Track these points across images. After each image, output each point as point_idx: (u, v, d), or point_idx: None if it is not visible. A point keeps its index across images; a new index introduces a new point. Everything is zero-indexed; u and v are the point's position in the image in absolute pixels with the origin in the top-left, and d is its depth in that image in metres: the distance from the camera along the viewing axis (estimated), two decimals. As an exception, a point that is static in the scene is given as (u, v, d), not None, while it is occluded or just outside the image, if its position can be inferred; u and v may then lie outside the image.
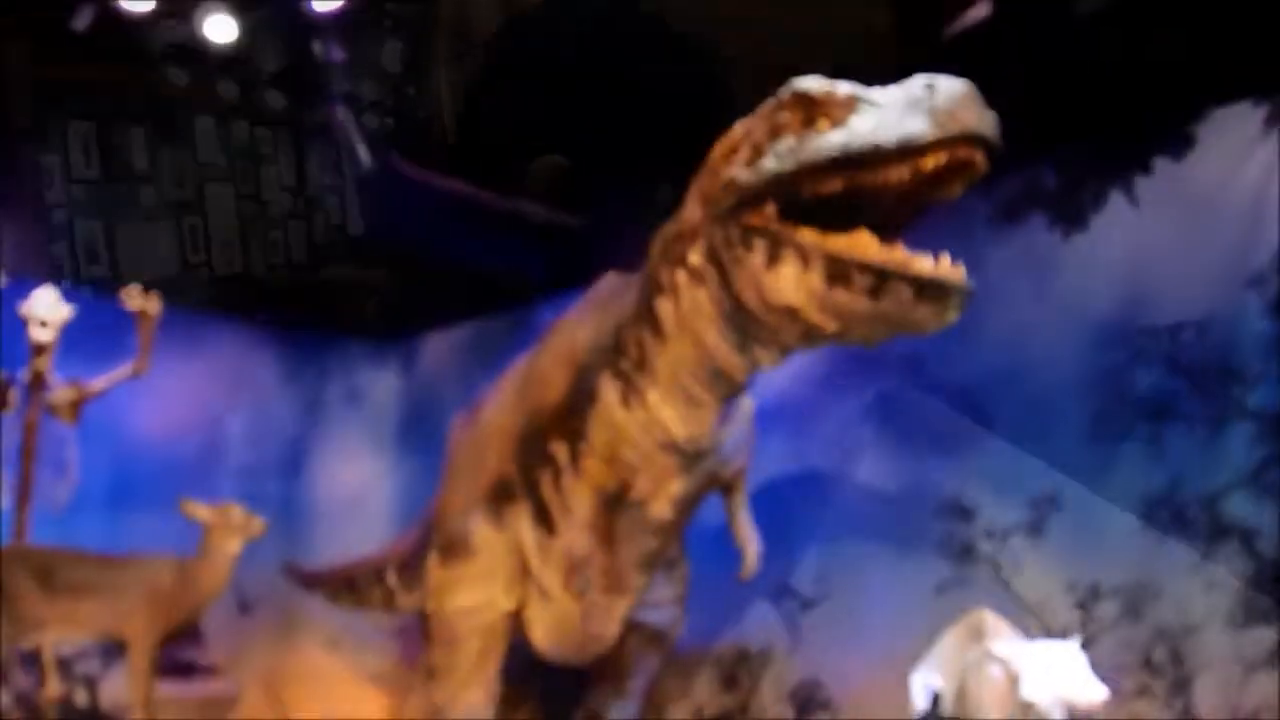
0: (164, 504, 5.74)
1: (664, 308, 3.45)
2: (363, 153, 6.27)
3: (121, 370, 5.63)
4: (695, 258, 3.23)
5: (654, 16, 5.57)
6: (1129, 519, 4.86)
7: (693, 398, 3.57)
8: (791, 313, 2.96)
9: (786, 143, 2.85)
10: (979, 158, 2.66)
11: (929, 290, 2.69)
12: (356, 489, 8.18)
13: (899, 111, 2.67)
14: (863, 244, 2.75)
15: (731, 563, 4.88)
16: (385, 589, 5.84)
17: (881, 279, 2.71)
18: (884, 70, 2.95)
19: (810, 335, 3.06)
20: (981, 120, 2.64)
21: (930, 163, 2.63)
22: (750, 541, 4.62)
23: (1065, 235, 5.33)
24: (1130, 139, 5.18)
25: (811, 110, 2.82)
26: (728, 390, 3.58)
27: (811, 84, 2.88)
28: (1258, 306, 4.71)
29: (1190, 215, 4.97)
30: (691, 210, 3.30)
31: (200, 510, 5.54)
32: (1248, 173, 4.83)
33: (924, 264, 2.71)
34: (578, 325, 4.16)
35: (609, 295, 4.09)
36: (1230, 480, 4.66)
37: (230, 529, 5.51)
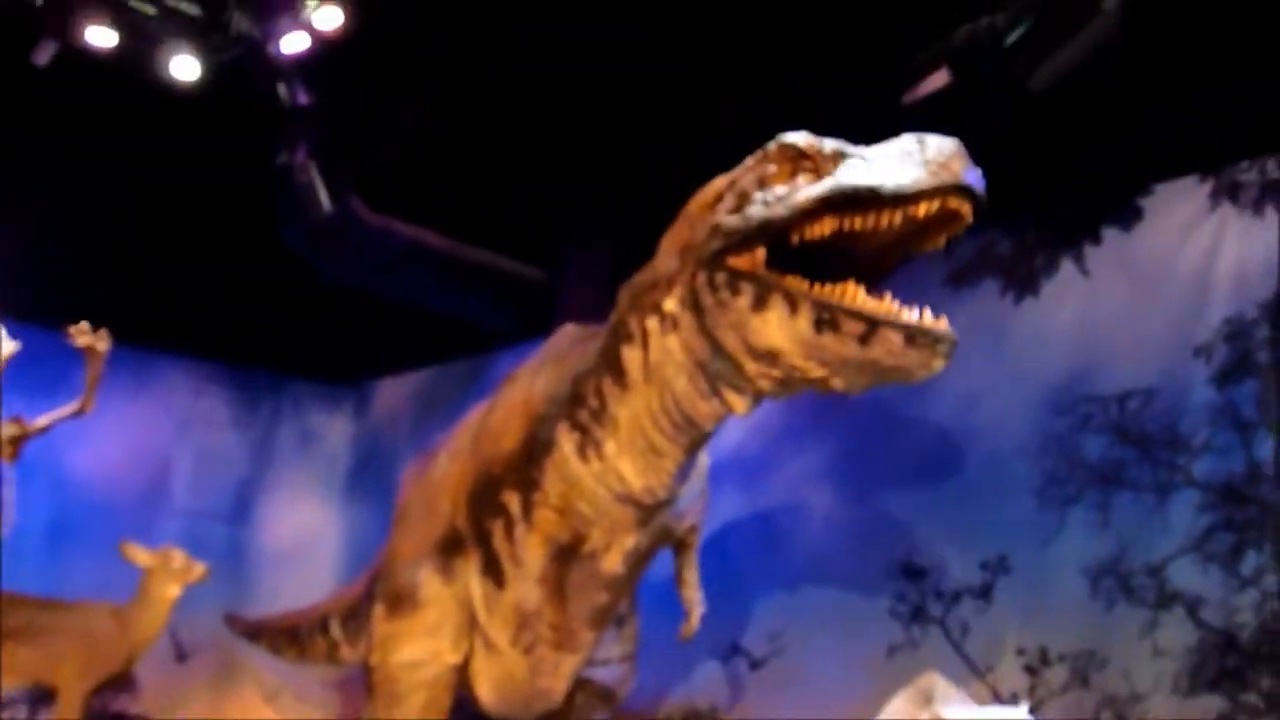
0: (104, 546, 5.62)
1: (630, 356, 3.44)
2: (324, 197, 6.25)
3: (66, 408, 5.50)
4: (670, 304, 3.24)
5: (618, 81, 5.64)
6: (1078, 584, 4.90)
7: (655, 447, 3.54)
8: (774, 356, 2.98)
9: (775, 191, 2.91)
10: (967, 209, 2.74)
11: (920, 338, 2.73)
12: (305, 535, 8.05)
13: (891, 162, 2.74)
14: (851, 293, 2.81)
15: (681, 620, 4.83)
16: (329, 640, 5.71)
17: (872, 326, 2.76)
18: (843, 135, 3.00)
19: (789, 381, 3.08)
20: (971, 174, 2.73)
21: (923, 210, 2.69)
22: (696, 603, 4.56)
23: (1017, 301, 5.42)
24: (1081, 209, 5.30)
25: (798, 162, 2.90)
26: (692, 439, 3.55)
27: (798, 137, 2.95)
28: (1203, 376, 4.80)
29: (1138, 285, 5.07)
30: (665, 260, 3.31)
31: (140, 553, 5.43)
32: (1194, 245, 4.95)
33: (912, 314, 2.78)
34: (535, 375, 4.13)
35: (567, 346, 4.07)
36: (1177, 548, 4.71)
37: (170, 573, 5.40)
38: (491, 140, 6.27)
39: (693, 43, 5.38)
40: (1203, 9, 4.43)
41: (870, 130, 2.96)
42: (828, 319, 2.80)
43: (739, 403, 3.30)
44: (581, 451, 3.68)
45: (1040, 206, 5.40)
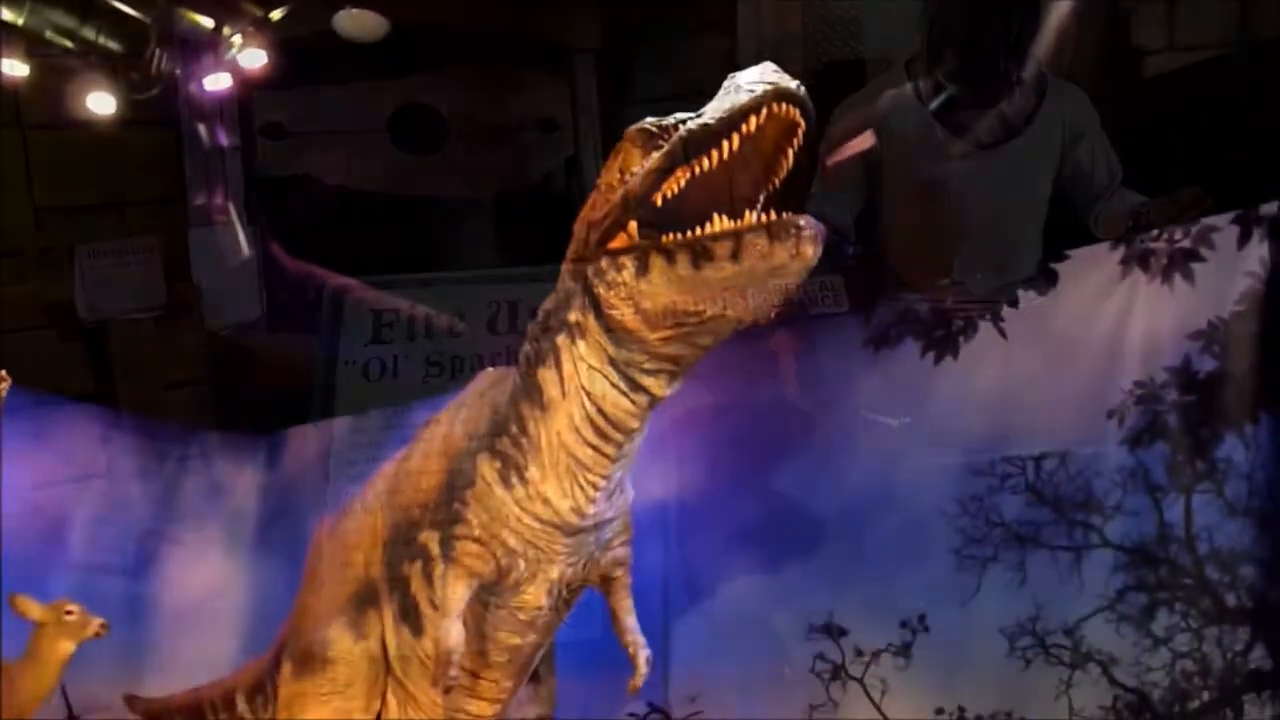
0: (-6, 600, 5.36)
1: (546, 376, 3.46)
2: (243, 240, 6.15)
3: (-44, 453, 5.25)
4: (573, 315, 3.30)
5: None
6: (996, 643, 4.96)
7: (580, 461, 3.51)
8: (669, 312, 3.04)
9: (632, 170, 3.08)
10: (794, 111, 2.85)
11: (779, 231, 2.82)
12: (209, 592, 7.74)
13: (718, 101, 2.94)
14: (715, 223, 2.92)
15: (597, 679, 4.72)
16: (235, 718, 5.47)
17: (737, 239, 2.86)
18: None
19: (692, 334, 3.12)
20: (785, 80, 2.88)
21: (754, 123, 2.83)
22: (640, 646, 4.38)
23: (937, 362, 5.51)
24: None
25: (650, 142, 3.06)
26: (619, 446, 3.51)
27: (645, 121, 3.12)
28: (1115, 439, 4.92)
29: (1054, 349, 5.20)
30: (563, 281, 3.36)
31: (32, 607, 5.17)
32: (1106, 311, 5.11)
33: (771, 216, 2.89)
34: (454, 417, 4.05)
35: (487, 387, 4.02)
36: (1091, 609, 4.80)
37: (65, 628, 5.16)
38: (409, 182, 6.25)
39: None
40: (1113, 80, 4.61)
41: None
42: (701, 251, 2.91)
43: (657, 384, 3.33)
44: (504, 479, 3.63)
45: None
